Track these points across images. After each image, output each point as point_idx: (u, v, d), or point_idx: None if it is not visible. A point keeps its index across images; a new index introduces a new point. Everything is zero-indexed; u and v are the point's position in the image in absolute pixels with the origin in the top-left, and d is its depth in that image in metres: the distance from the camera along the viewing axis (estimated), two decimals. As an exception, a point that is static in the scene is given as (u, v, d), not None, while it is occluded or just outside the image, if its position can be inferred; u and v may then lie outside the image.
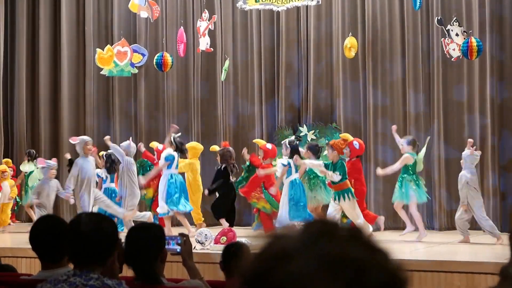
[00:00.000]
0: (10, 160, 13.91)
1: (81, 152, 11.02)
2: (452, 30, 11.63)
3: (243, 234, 9.94)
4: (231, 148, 12.39)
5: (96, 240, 2.98)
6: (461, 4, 12.54)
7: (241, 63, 14.12)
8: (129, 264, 3.59)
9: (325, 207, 11.60)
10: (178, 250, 3.99)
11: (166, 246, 3.77)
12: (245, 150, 12.24)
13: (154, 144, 12.71)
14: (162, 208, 11.28)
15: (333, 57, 13.42)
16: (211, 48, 13.32)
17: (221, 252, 4.68)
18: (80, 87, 15.06)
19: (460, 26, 11.71)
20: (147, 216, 11.30)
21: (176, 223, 12.10)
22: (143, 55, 13.77)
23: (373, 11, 13.13)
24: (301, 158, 10.98)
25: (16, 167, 14.12)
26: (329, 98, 13.53)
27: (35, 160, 13.47)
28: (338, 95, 13.25)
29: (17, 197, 13.81)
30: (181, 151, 11.60)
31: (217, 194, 12.34)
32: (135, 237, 3.70)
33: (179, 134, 11.94)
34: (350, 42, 12.33)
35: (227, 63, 13.38)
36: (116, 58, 13.60)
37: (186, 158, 12.07)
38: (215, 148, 12.62)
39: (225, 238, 9.40)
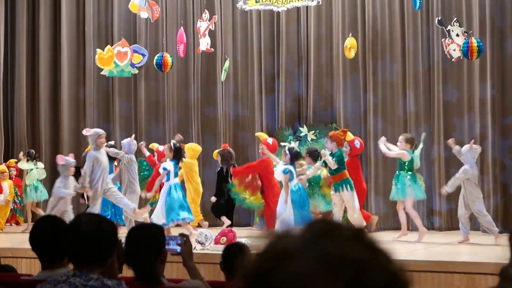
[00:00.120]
0: (14, 161, 13.89)
1: (94, 145, 11.08)
2: (452, 31, 11.63)
3: (243, 235, 9.94)
4: (231, 149, 12.44)
5: (96, 240, 2.98)
6: (461, 4, 12.54)
7: (241, 63, 14.12)
8: (129, 264, 3.59)
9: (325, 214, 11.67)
10: (178, 250, 3.99)
11: (166, 247, 3.78)
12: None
13: (154, 146, 12.71)
14: (157, 218, 11.19)
15: (333, 58, 13.42)
16: (212, 49, 13.32)
17: (221, 252, 4.68)
18: (80, 88, 15.06)
19: (461, 27, 11.71)
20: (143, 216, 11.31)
21: (177, 223, 12.07)
22: (143, 55, 13.77)
23: (373, 11, 13.12)
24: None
25: (19, 167, 14.08)
26: (329, 98, 13.53)
27: (34, 160, 13.45)
28: (338, 96, 13.25)
29: (16, 198, 13.74)
30: (180, 157, 11.56)
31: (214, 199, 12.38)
32: (135, 238, 3.70)
33: (177, 136, 12.01)
34: (350, 42, 12.33)
35: (227, 63, 13.37)
36: (116, 59, 13.60)
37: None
38: (216, 153, 12.63)
39: (225, 239, 9.41)
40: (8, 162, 13.83)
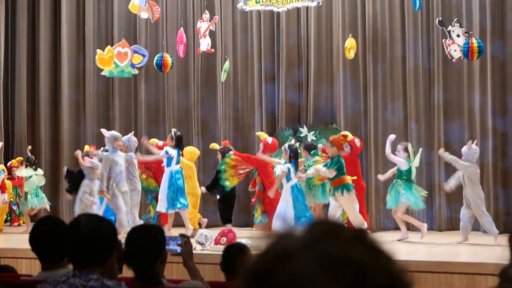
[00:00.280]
0: (15, 161, 13.89)
1: (110, 147, 11.14)
2: (453, 31, 11.63)
3: (243, 235, 9.95)
4: (231, 147, 12.43)
5: (95, 240, 2.98)
6: (461, 5, 12.54)
7: (241, 63, 14.12)
8: (129, 264, 3.59)
9: (325, 206, 11.65)
10: (178, 250, 3.99)
11: (167, 247, 3.77)
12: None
13: (154, 141, 12.67)
14: (160, 206, 11.32)
15: (333, 58, 13.42)
16: (212, 49, 13.31)
17: (221, 253, 4.68)
18: (80, 88, 15.05)
19: (461, 27, 11.71)
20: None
21: (178, 223, 12.07)
22: (144, 56, 13.76)
23: (373, 11, 13.12)
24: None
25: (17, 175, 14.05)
26: (329, 98, 13.53)
27: (33, 166, 13.39)
28: (339, 96, 13.25)
29: (18, 199, 13.74)
30: (181, 146, 11.65)
31: (217, 196, 12.38)
32: (135, 238, 3.70)
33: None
34: (350, 43, 12.34)
35: (227, 63, 13.37)
36: (116, 59, 13.59)
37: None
38: (215, 146, 12.65)
39: (225, 239, 9.41)
40: (11, 163, 13.84)
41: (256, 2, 12.80)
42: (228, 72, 13.37)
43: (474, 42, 10.95)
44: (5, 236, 12.55)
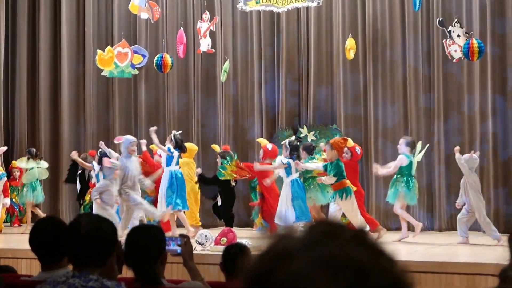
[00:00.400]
0: (15, 162, 13.89)
1: (125, 152, 11.06)
2: (453, 32, 11.63)
3: (243, 235, 9.94)
4: (231, 152, 12.43)
5: (95, 241, 2.98)
6: (461, 5, 12.54)
7: (241, 64, 14.12)
8: (129, 265, 3.59)
9: (325, 206, 11.64)
10: (178, 251, 3.99)
11: (167, 247, 3.77)
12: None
13: (154, 147, 12.65)
14: (160, 205, 11.27)
15: (333, 58, 13.42)
16: (213, 49, 13.30)
17: (221, 253, 4.68)
18: (80, 88, 15.06)
19: (462, 27, 11.71)
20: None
21: (178, 224, 12.07)
22: (144, 56, 13.76)
23: (373, 12, 13.13)
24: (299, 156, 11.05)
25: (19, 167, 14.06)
26: (329, 99, 13.53)
27: (36, 158, 13.40)
28: (339, 96, 13.25)
29: (17, 200, 13.73)
30: (181, 148, 11.62)
31: (218, 201, 12.38)
32: (135, 238, 3.70)
33: (180, 131, 11.94)
34: (349, 43, 12.34)
35: (226, 64, 13.37)
36: (116, 59, 13.59)
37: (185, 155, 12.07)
38: (216, 147, 12.64)
39: (225, 239, 9.40)
40: (11, 164, 13.84)
41: (256, 3, 12.80)
42: (228, 73, 13.37)
43: (475, 42, 10.95)
44: (5, 236, 12.55)
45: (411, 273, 1.08)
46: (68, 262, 3.32)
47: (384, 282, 1.04)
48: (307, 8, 13.27)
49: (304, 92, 13.67)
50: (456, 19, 11.81)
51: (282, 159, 11.05)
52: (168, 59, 12.62)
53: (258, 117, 13.84)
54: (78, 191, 13.10)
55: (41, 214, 12.85)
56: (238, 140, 13.92)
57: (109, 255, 3.02)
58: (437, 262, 8.47)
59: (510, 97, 12.33)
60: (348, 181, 10.53)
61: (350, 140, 11.25)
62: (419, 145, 11.06)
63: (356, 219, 10.43)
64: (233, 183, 12.23)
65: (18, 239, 11.22)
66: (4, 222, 13.54)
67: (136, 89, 14.69)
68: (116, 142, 11.40)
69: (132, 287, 3.52)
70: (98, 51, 13.76)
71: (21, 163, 13.45)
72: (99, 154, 12.02)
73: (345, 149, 11.02)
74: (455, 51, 11.58)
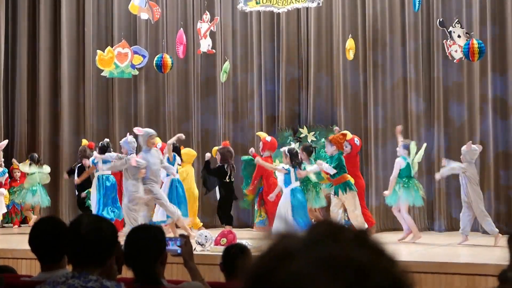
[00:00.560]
0: (16, 163, 13.89)
1: (144, 145, 11.04)
2: (454, 32, 11.63)
3: (243, 236, 9.94)
4: (231, 148, 12.43)
5: (95, 241, 2.98)
6: (462, 5, 12.54)
7: (241, 64, 14.12)
8: (129, 265, 3.59)
9: (321, 209, 11.67)
10: (178, 251, 3.99)
11: (167, 248, 3.77)
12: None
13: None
14: (160, 215, 11.20)
15: (333, 58, 13.42)
16: (213, 50, 13.30)
17: (221, 253, 4.68)
18: (80, 89, 15.06)
19: (462, 28, 11.71)
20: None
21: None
22: (144, 56, 13.77)
23: (373, 12, 13.13)
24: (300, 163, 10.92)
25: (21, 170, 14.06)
26: (329, 99, 13.53)
27: (38, 164, 13.39)
28: (339, 96, 13.25)
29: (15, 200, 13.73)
30: (177, 153, 11.66)
31: (217, 196, 12.38)
32: (135, 238, 3.70)
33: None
34: (349, 44, 12.35)
35: (226, 64, 13.37)
36: (116, 60, 13.59)
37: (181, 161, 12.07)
38: (215, 150, 12.63)
39: (225, 240, 9.40)
40: (13, 165, 13.85)
41: (256, 3, 12.80)
42: (228, 73, 13.37)
43: (475, 43, 10.95)
44: (5, 236, 12.54)
45: (411, 273, 1.08)
46: (67, 262, 3.32)
47: (385, 282, 1.04)
48: (307, 8, 13.26)
49: (304, 92, 13.66)
50: (457, 20, 11.81)
51: (283, 165, 10.89)
52: (168, 59, 12.62)
53: (258, 117, 13.84)
54: (76, 185, 12.81)
55: (32, 216, 12.95)
56: (238, 140, 13.91)
57: (109, 255, 3.01)
58: (437, 262, 8.47)
59: (510, 97, 12.33)
60: (348, 175, 10.53)
61: (348, 133, 11.25)
62: (413, 145, 11.01)
63: (357, 218, 10.42)
64: (232, 179, 12.25)
65: (18, 239, 11.21)
66: (6, 223, 13.56)
67: (136, 90, 14.69)
68: (137, 133, 11.27)
69: (132, 287, 3.52)
70: (98, 51, 13.76)
71: (24, 167, 13.46)
72: (100, 145, 12.02)
73: (344, 143, 11.02)
74: (456, 51, 11.58)
